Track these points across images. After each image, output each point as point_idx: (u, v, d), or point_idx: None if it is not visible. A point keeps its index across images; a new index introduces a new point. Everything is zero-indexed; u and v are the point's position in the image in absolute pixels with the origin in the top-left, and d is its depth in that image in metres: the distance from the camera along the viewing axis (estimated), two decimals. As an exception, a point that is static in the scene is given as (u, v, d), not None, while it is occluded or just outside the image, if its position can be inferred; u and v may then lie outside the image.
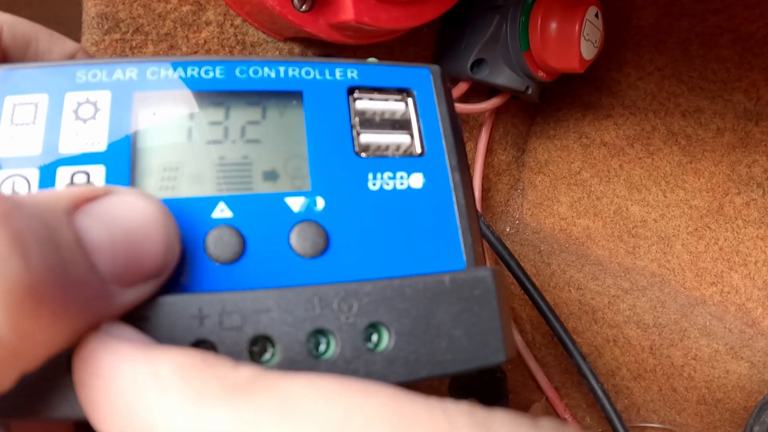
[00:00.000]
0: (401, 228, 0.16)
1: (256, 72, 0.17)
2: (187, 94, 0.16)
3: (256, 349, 0.14)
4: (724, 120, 0.46)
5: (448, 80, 0.19)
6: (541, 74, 0.45)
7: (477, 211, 0.17)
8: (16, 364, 0.11)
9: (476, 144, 0.53)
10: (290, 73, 0.17)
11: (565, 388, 0.51)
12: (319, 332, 0.14)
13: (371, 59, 0.34)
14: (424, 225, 0.16)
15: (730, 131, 0.46)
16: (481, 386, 0.39)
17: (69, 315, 0.12)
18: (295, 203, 0.16)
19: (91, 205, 0.13)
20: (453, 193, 0.17)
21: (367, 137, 0.17)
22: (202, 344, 0.14)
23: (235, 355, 0.13)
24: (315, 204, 0.16)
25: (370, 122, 0.17)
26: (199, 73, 0.16)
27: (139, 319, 0.13)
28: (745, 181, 0.46)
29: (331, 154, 0.16)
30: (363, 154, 0.17)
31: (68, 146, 0.15)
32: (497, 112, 0.53)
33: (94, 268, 0.13)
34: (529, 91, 0.46)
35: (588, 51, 0.42)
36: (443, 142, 0.17)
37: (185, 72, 0.16)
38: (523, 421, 0.10)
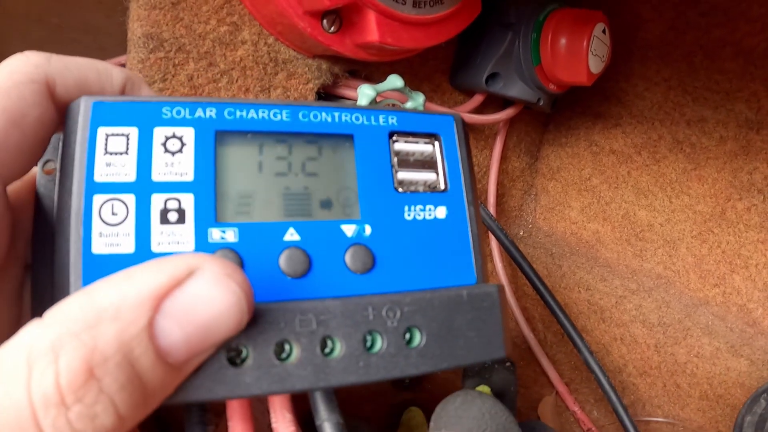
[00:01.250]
0: (429, 250, 0.20)
1: (315, 116, 0.20)
2: (258, 132, 0.19)
3: (325, 347, 0.17)
4: (727, 129, 0.48)
5: (466, 125, 0.22)
6: (551, 87, 0.47)
7: (483, 232, 0.21)
8: None
9: (491, 152, 0.56)
10: (343, 118, 0.20)
11: (575, 384, 0.53)
12: (372, 333, 0.18)
13: (393, 75, 0.37)
14: (446, 248, 0.20)
15: (732, 139, 0.48)
16: (492, 375, 0.42)
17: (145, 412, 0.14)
18: (349, 230, 0.19)
19: (169, 303, 0.14)
20: (468, 224, 0.20)
21: (403, 174, 0.20)
22: (284, 343, 0.17)
23: (308, 351, 0.17)
24: (364, 230, 0.19)
25: (406, 162, 0.21)
26: (269, 115, 0.19)
27: None
28: (746, 187, 0.48)
29: (375, 188, 0.20)
30: (400, 189, 0.20)
31: (160, 175, 0.17)
32: (511, 121, 0.55)
33: (169, 368, 0.14)
34: (541, 103, 0.49)
35: (595, 65, 0.44)
36: (462, 180, 0.21)
37: (257, 113, 0.19)
38: None
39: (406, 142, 0.21)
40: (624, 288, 0.52)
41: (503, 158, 0.57)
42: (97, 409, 0.13)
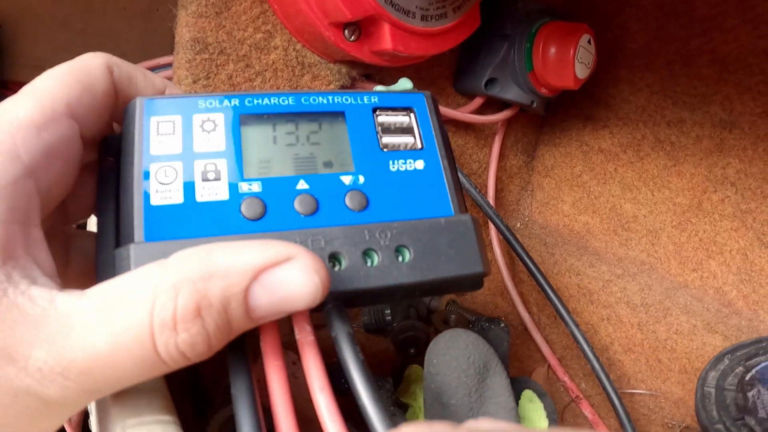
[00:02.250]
0: (412, 192, 0.24)
1: (314, 100, 0.25)
2: (271, 114, 0.24)
3: (333, 261, 0.22)
4: (703, 129, 0.53)
5: (436, 100, 0.27)
6: (543, 91, 0.53)
7: (459, 180, 0.26)
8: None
9: (490, 150, 0.61)
10: (336, 100, 0.26)
11: (566, 360, 0.57)
12: (369, 250, 0.22)
13: (403, 78, 0.42)
14: (426, 190, 0.25)
15: (708, 138, 0.53)
16: (487, 334, 0.47)
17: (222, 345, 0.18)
18: (346, 179, 0.24)
19: (266, 276, 0.18)
20: (443, 171, 0.25)
21: (386, 139, 0.25)
22: None
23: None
24: (358, 179, 0.24)
25: (388, 129, 0.26)
26: (278, 101, 0.25)
27: None
28: (720, 180, 0.52)
29: (365, 149, 0.25)
30: (385, 149, 0.25)
31: (200, 148, 0.23)
32: (509, 122, 0.60)
33: (249, 320, 0.18)
34: (534, 105, 0.54)
35: (581, 71, 0.49)
36: (435, 141, 0.26)
37: (270, 100, 0.25)
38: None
39: (386, 115, 0.26)
40: (610, 273, 0.56)
41: (502, 156, 0.62)
42: (197, 339, 0.17)
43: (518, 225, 0.66)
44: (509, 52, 0.51)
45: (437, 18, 0.40)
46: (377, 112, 0.26)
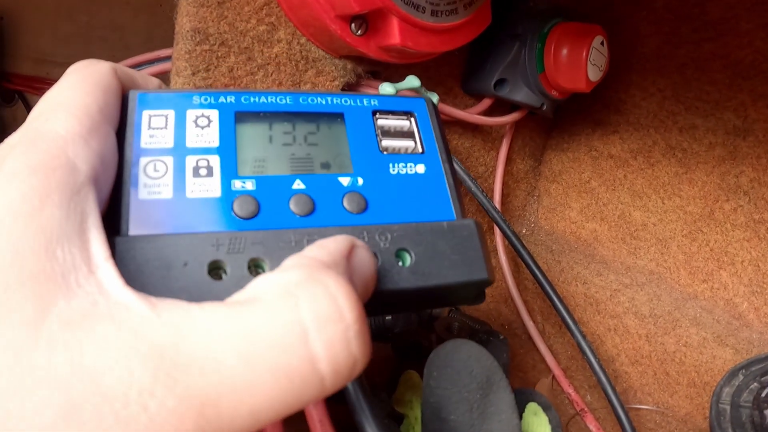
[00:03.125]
0: (412, 196, 0.24)
1: (312, 100, 0.25)
2: (268, 113, 0.24)
3: None
4: (716, 135, 0.52)
5: (436, 106, 0.27)
6: (554, 93, 0.51)
7: (460, 185, 0.25)
8: None
9: (497, 153, 0.60)
10: (335, 101, 0.25)
11: (570, 371, 0.56)
12: None
13: (410, 75, 0.41)
14: (427, 194, 0.24)
15: (720, 145, 0.52)
16: (486, 346, 0.45)
17: None
18: (345, 180, 0.23)
19: (352, 259, 0.18)
20: (444, 176, 0.25)
21: (386, 142, 0.25)
22: None
23: None
24: (357, 181, 0.23)
25: (388, 133, 0.25)
26: (276, 100, 0.24)
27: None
28: (733, 189, 0.51)
29: (364, 152, 0.24)
30: (385, 152, 0.25)
31: (192, 143, 0.22)
32: (517, 126, 0.59)
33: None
34: (544, 108, 0.52)
35: (594, 74, 0.48)
36: (436, 145, 0.25)
37: (267, 99, 0.24)
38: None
39: (386, 119, 0.26)
40: (618, 282, 0.55)
41: (509, 160, 0.61)
42: (364, 329, 0.16)
43: (524, 231, 0.65)
44: (520, 53, 0.50)
45: (448, 14, 0.39)
46: (377, 115, 0.26)
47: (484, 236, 0.23)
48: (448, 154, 0.26)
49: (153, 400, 0.13)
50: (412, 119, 0.26)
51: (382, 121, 0.25)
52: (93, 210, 0.17)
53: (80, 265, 0.15)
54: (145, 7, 0.82)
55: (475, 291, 0.23)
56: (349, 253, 0.18)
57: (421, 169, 0.25)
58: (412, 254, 0.21)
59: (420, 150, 0.25)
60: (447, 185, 0.24)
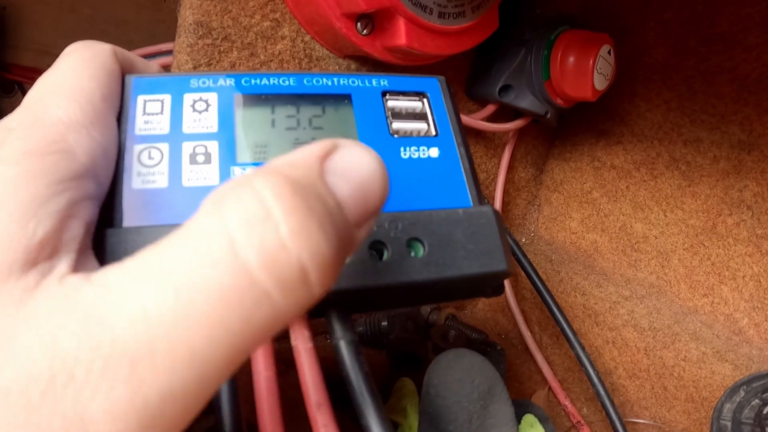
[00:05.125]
0: (426, 181, 0.22)
1: (317, 81, 0.23)
2: (270, 95, 0.22)
3: None
4: (720, 149, 0.51)
5: (450, 87, 0.25)
6: (559, 101, 0.51)
7: (476, 170, 0.24)
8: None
9: (499, 160, 0.59)
10: (341, 82, 0.24)
11: (567, 383, 0.55)
12: (377, 243, 0.20)
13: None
14: (441, 179, 0.23)
15: (725, 159, 0.51)
16: (484, 356, 0.44)
17: (341, 264, 0.14)
18: None
19: (331, 163, 0.15)
20: (460, 160, 0.23)
21: (397, 124, 0.23)
22: None
23: None
24: None
25: (399, 115, 0.24)
26: (278, 81, 0.23)
27: None
28: (736, 203, 0.50)
29: (373, 135, 0.23)
30: (395, 135, 0.23)
31: (189, 128, 0.21)
32: (520, 134, 0.59)
33: (348, 221, 0.14)
34: (548, 116, 0.52)
35: (600, 83, 0.48)
36: (451, 127, 0.24)
37: (269, 81, 0.23)
38: None
39: (397, 100, 0.24)
40: (618, 294, 0.54)
41: (510, 168, 0.60)
42: (311, 225, 0.13)
43: (523, 240, 0.64)
44: (526, 59, 0.49)
45: (455, 16, 0.39)
46: (387, 96, 0.24)
47: (503, 224, 0.22)
48: (464, 137, 0.24)
49: (78, 366, 0.11)
50: (425, 100, 0.24)
51: (393, 103, 0.24)
52: (85, 201, 0.16)
53: (46, 247, 0.14)
54: (149, 3, 0.82)
55: (493, 283, 0.22)
56: (326, 155, 0.15)
57: (434, 152, 0.23)
58: (425, 244, 0.20)
59: (433, 133, 0.24)
60: (462, 170, 0.23)
